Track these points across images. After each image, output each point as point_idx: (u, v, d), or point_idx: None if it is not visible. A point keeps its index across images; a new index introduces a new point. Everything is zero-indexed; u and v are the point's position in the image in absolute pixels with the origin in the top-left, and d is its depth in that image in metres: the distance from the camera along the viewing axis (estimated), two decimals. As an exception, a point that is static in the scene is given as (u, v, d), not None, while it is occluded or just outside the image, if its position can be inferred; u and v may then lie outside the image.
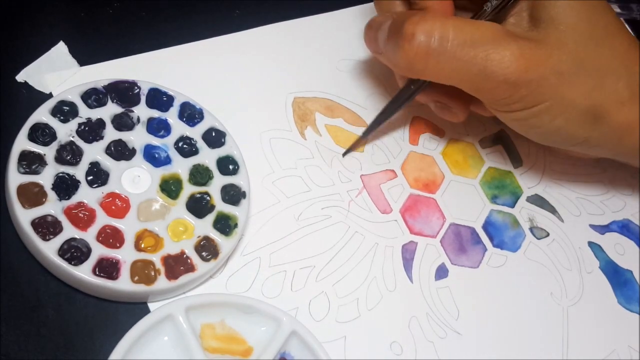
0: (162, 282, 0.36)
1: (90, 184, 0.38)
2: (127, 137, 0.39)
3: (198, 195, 0.39)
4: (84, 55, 0.42)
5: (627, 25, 0.41)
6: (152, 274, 0.36)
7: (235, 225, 0.39)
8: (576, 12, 0.39)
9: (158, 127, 0.40)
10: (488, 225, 0.44)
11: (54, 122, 0.38)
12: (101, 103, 0.40)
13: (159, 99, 0.41)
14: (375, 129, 0.44)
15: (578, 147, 0.42)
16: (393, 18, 0.40)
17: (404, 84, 0.43)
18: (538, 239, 0.45)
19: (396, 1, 0.43)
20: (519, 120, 0.40)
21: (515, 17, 0.40)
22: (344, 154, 0.44)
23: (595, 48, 0.39)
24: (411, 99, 0.43)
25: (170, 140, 0.40)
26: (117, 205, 0.38)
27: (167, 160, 0.40)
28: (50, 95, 0.41)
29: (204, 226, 0.38)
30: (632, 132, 0.40)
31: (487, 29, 0.38)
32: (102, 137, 0.39)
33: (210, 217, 0.39)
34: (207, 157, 0.40)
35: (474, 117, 0.48)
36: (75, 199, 0.37)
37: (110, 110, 0.40)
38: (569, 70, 0.38)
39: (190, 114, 0.41)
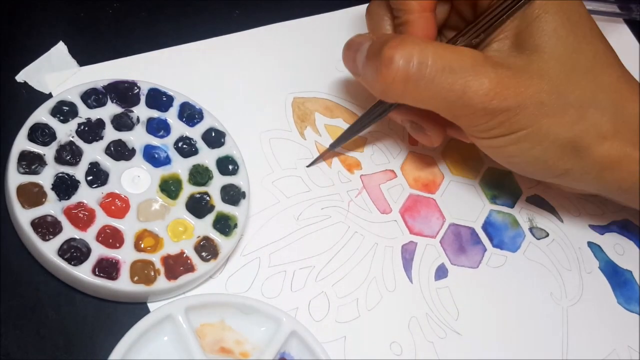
0: (161, 282, 0.36)
1: (90, 184, 0.38)
2: (127, 137, 0.39)
3: (198, 196, 0.39)
4: (84, 55, 0.42)
5: (619, 58, 0.40)
6: (152, 274, 0.36)
7: (235, 225, 0.39)
8: (562, 41, 0.38)
9: (158, 127, 0.40)
10: (488, 226, 0.44)
11: (53, 122, 0.38)
12: (101, 103, 0.40)
13: (159, 99, 0.41)
14: (343, 143, 0.43)
15: (558, 179, 0.41)
16: (372, 40, 0.39)
17: (377, 101, 0.42)
18: (538, 239, 0.45)
19: (384, 16, 0.42)
20: (496, 147, 0.40)
21: (498, 44, 0.39)
22: (309, 165, 0.43)
23: (579, 80, 0.38)
24: (382, 116, 0.42)
25: (169, 140, 0.40)
26: (116, 205, 0.38)
27: (167, 161, 0.40)
28: (50, 96, 0.40)
29: (204, 226, 0.38)
30: (613, 168, 0.39)
31: (466, 56, 0.37)
32: (101, 137, 0.39)
33: (210, 217, 0.39)
34: (207, 157, 0.40)
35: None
36: (75, 199, 0.37)
37: (109, 110, 0.40)
38: (550, 100, 0.37)
39: (190, 114, 0.41)
